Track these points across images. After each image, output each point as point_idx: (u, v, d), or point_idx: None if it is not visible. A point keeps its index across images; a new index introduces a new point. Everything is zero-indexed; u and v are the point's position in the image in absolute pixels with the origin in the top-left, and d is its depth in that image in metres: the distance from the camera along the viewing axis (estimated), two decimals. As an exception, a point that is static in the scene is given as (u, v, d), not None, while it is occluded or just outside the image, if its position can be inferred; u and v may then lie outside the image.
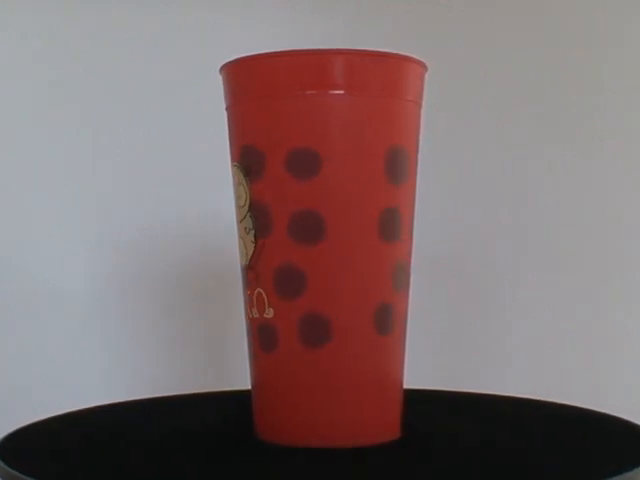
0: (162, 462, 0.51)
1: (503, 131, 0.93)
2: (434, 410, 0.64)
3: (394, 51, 0.52)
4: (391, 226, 0.52)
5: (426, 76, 0.55)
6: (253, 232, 0.53)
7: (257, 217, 0.52)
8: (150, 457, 0.52)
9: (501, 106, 0.93)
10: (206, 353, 0.88)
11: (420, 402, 0.62)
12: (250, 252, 0.53)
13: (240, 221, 0.54)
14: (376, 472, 0.49)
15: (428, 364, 0.84)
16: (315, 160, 0.51)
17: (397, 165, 0.52)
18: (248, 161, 0.53)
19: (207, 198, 0.85)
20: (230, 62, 0.53)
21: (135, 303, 0.85)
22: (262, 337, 0.53)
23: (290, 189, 0.51)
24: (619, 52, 0.91)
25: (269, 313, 0.52)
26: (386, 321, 0.52)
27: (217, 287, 0.86)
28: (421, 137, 0.55)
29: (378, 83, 0.52)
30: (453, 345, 0.93)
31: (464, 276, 0.93)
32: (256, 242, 0.53)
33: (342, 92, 0.51)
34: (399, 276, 0.53)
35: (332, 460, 0.50)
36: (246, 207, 0.53)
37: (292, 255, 0.51)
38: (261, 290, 0.53)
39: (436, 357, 0.91)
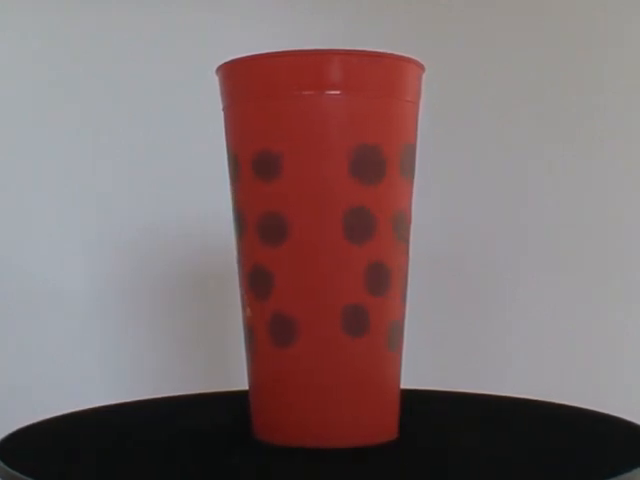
0: (161, 462, 0.51)
1: (503, 131, 0.93)
2: (433, 410, 0.64)
3: (392, 51, 0.52)
4: (358, 226, 0.52)
5: (424, 76, 0.55)
6: (235, 234, 0.54)
7: (236, 219, 0.54)
8: (150, 457, 0.52)
9: (501, 106, 0.93)
10: (206, 353, 0.88)
11: (419, 402, 0.63)
12: (236, 253, 0.55)
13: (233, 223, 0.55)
14: (373, 472, 0.49)
15: (427, 364, 0.84)
16: (277, 162, 0.51)
17: (366, 164, 0.52)
18: (231, 163, 0.54)
19: (207, 198, 0.85)
20: (226, 63, 0.53)
21: (135, 303, 0.85)
22: (247, 337, 0.55)
23: (257, 191, 0.52)
24: (619, 52, 0.91)
25: (249, 313, 0.53)
26: (358, 322, 0.52)
27: (217, 287, 0.86)
28: (421, 137, 0.55)
29: (375, 83, 0.52)
30: (452, 345, 0.93)
31: (464, 276, 0.93)
32: (237, 243, 0.54)
33: (339, 92, 0.51)
34: (374, 277, 0.52)
35: (328, 460, 0.50)
36: (233, 209, 0.55)
37: (261, 256, 0.52)
38: (243, 291, 0.54)
39: (436, 357, 0.91)
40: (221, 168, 0.57)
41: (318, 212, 0.51)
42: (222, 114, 0.55)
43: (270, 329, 0.52)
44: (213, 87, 0.56)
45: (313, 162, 0.51)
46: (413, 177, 0.55)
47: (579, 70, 0.91)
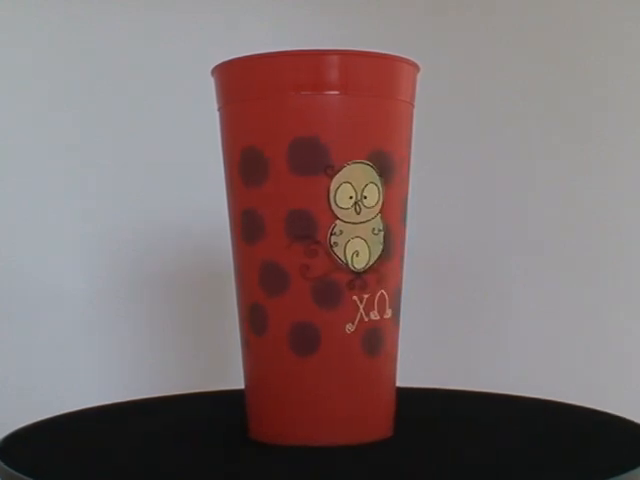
0: (159, 461, 0.51)
1: (500, 131, 0.93)
2: (428, 408, 0.64)
3: (386, 52, 0.52)
4: (248, 228, 0.53)
5: (419, 76, 0.55)
6: (382, 233, 0.54)
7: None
8: (148, 456, 0.52)
9: (500, 106, 0.93)
10: (206, 353, 0.88)
11: (414, 400, 0.63)
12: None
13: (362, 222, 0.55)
14: (367, 470, 0.49)
15: (423, 362, 0.84)
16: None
17: (250, 167, 0.52)
18: (382, 161, 0.52)
19: (207, 198, 0.85)
20: (221, 63, 0.53)
21: (134, 303, 0.85)
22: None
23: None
24: (619, 52, 0.91)
25: (388, 314, 0.54)
26: (258, 322, 0.53)
27: (217, 287, 0.86)
28: (422, 139, 0.55)
29: (372, 83, 0.52)
30: (449, 343, 0.93)
31: (463, 275, 0.93)
32: (384, 243, 0.54)
33: (337, 92, 0.51)
34: (266, 277, 0.52)
35: (323, 458, 0.50)
36: (377, 207, 0.54)
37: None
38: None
39: (432, 355, 0.91)
40: (219, 168, 0.57)
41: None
42: (217, 114, 0.55)
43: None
44: (212, 87, 0.56)
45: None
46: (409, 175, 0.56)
47: (579, 70, 0.91)
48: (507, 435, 0.57)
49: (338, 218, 0.51)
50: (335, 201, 0.51)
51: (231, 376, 0.66)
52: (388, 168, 0.52)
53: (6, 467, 0.47)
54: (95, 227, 0.84)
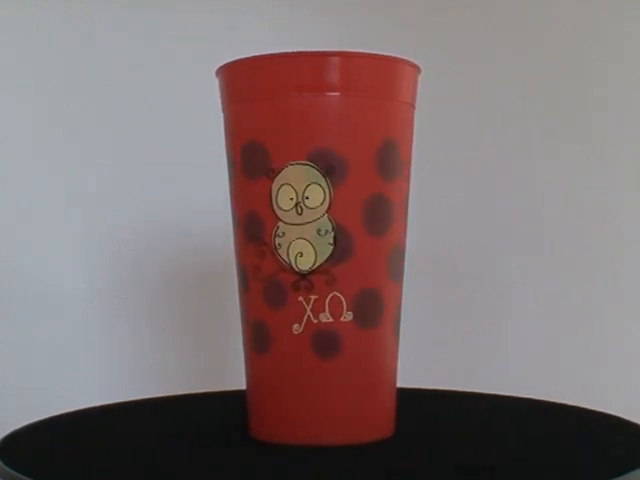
0: (160, 461, 0.51)
1: (501, 132, 0.93)
2: (429, 409, 0.64)
3: (388, 53, 0.52)
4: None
5: (419, 78, 0.55)
6: (332, 234, 0.53)
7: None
8: (149, 456, 0.52)
9: (500, 106, 0.93)
10: (206, 353, 0.88)
11: (415, 401, 0.63)
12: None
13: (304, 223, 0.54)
14: (367, 470, 0.49)
15: (424, 363, 0.84)
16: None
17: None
18: (328, 161, 0.52)
19: (208, 198, 0.85)
20: (226, 64, 0.53)
21: (134, 303, 0.85)
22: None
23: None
24: (619, 52, 0.91)
25: (348, 317, 0.53)
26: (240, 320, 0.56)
27: (217, 287, 0.86)
28: (418, 138, 0.55)
29: (373, 85, 0.52)
30: (450, 344, 0.93)
31: (464, 276, 0.93)
32: (335, 244, 0.53)
33: (338, 94, 0.51)
34: (239, 277, 0.55)
35: (324, 458, 0.50)
36: (323, 208, 0.53)
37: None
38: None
39: (433, 356, 0.91)
40: (220, 168, 0.57)
41: None
42: (222, 115, 0.55)
43: None
44: (212, 87, 0.56)
45: None
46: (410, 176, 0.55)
47: (579, 70, 0.91)
48: (507, 435, 0.57)
49: (280, 220, 0.51)
50: (277, 203, 0.51)
51: (231, 376, 0.66)
52: (337, 168, 0.51)
53: (6, 467, 0.47)
54: (95, 227, 0.84)
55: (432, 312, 0.91)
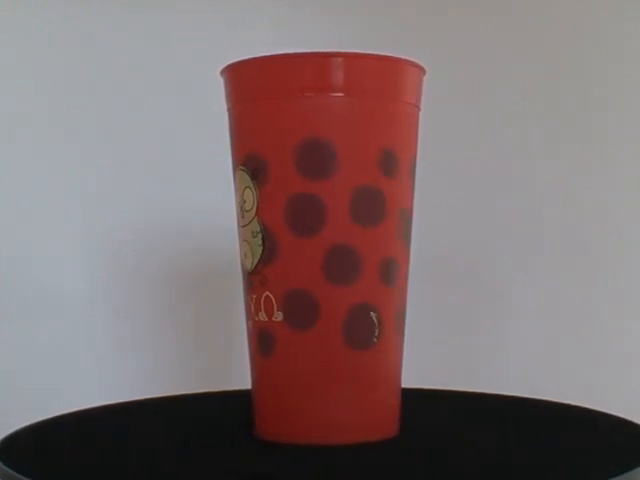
0: (162, 461, 0.51)
1: (504, 132, 0.93)
2: (433, 409, 0.64)
3: (393, 54, 0.52)
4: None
5: (424, 79, 0.55)
6: (261, 235, 0.53)
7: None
8: (150, 456, 0.52)
9: (500, 106, 0.93)
10: (206, 353, 0.88)
11: (420, 401, 0.63)
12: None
13: (245, 225, 0.54)
14: (372, 469, 0.49)
15: (429, 363, 0.84)
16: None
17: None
18: (254, 164, 0.53)
19: (208, 198, 0.85)
20: (231, 64, 0.53)
21: (135, 303, 0.85)
22: (249, 336, 0.55)
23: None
24: (619, 52, 0.91)
25: (278, 317, 0.52)
26: None
27: (217, 286, 0.86)
28: (422, 139, 0.55)
29: (377, 86, 0.52)
30: (454, 344, 0.93)
31: (463, 276, 0.93)
32: (264, 245, 0.53)
33: (341, 95, 0.51)
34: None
35: (328, 457, 0.50)
36: (253, 211, 0.53)
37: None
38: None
39: (437, 356, 0.91)
40: (221, 168, 0.57)
41: None
42: (226, 115, 0.55)
43: None
44: (212, 88, 0.56)
45: None
46: (414, 178, 0.55)
47: (579, 70, 0.91)
48: (508, 435, 0.57)
49: (238, 223, 0.55)
50: (238, 206, 0.54)
51: (232, 376, 0.66)
52: (260, 170, 0.52)
53: (6, 467, 0.47)
54: (95, 227, 0.84)
55: (432, 312, 0.91)
